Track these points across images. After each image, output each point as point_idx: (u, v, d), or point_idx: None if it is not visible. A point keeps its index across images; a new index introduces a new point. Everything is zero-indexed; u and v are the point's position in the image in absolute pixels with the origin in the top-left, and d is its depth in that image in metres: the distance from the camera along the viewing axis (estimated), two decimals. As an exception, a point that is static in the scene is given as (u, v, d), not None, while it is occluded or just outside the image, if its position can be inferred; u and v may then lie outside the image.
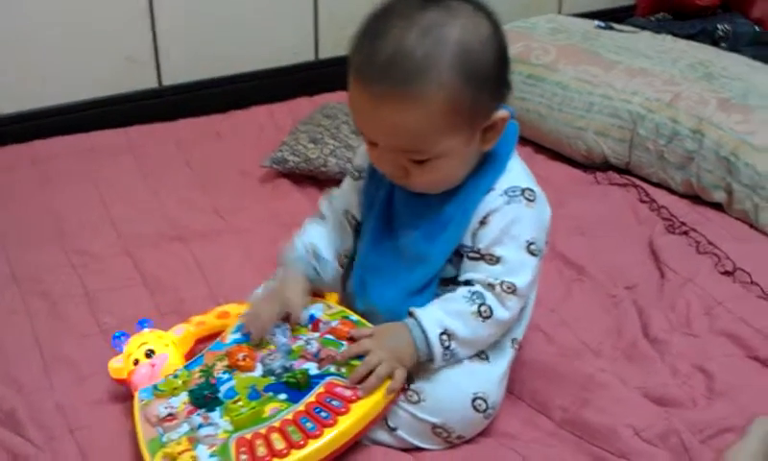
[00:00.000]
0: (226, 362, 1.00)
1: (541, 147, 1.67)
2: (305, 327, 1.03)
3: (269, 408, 0.93)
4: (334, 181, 1.47)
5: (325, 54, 1.97)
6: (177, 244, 1.38)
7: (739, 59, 1.69)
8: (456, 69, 0.89)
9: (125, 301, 1.24)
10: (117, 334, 1.06)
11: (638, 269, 1.30)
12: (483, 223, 0.96)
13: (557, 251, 1.31)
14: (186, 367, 1.02)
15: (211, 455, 0.89)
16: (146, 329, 1.07)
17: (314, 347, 0.99)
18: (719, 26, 1.97)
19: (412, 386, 0.96)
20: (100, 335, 1.17)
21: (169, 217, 1.45)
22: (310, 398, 0.93)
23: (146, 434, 0.93)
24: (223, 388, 0.97)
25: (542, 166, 1.56)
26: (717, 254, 1.30)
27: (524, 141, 1.61)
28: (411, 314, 0.96)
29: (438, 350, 0.94)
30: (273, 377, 0.97)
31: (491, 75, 0.92)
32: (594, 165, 1.60)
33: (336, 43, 1.91)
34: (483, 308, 0.95)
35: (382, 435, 0.97)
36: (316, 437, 0.89)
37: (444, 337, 0.94)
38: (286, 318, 1.03)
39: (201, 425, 0.92)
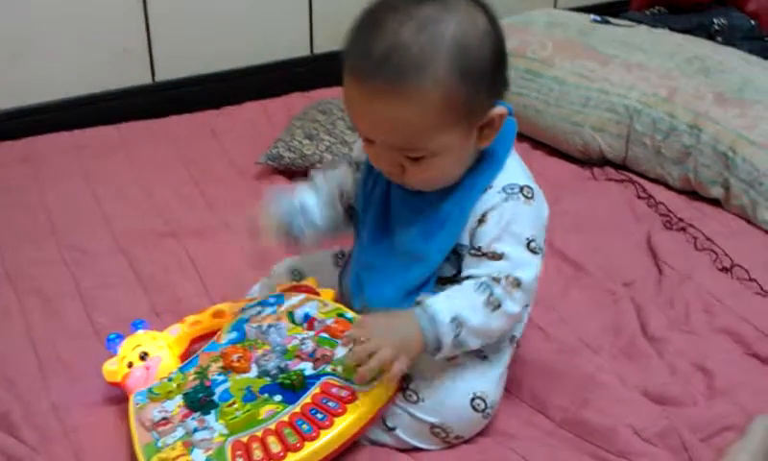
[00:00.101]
0: (220, 363, 0.99)
1: (538, 143, 1.66)
2: (300, 326, 1.02)
3: (264, 410, 0.92)
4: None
5: (320, 49, 1.95)
6: (171, 241, 1.37)
7: (735, 53, 1.68)
8: (452, 65, 0.88)
9: (119, 299, 1.23)
10: (111, 337, 1.05)
11: (636, 266, 1.29)
12: (481, 221, 0.95)
13: (554, 248, 1.30)
14: (181, 369, 1.01)
15: (207, 460, 0.88)
16: (140, 331, 1.06)
17: (309, 346, 0.98)
18: (715, 20, 1.96)
19: (410, 386, 0.96)
20: (94, 335, 1.16)
21: (163, 214, 1.44)
22: (306, 399, 0.92)
23: (141, 439, 0.93)
24: (218, 390, 0.96)
25: (539, 162, 1.56)
26: (715, 250, 1.30)
27: (521, 137, 1.60)
28: (418, 303, 0.93)
29: (448, 337, 0.91)
30: (268, 378, 0.96)
31: (487, 71, 0.91)
32: (591, 161, 1.59)
33: (331, 38, 1.90)
34: (492, 298, 0.92)
35: (380, 435, 0.96)
36: (312, 439, 0.88)
37: (455, 325, 0.91)
38: (290, 314, 1.02)
39: (196, 429, 0.91)
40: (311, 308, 1.03)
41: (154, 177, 1.55)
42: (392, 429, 0.96)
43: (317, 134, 1.56)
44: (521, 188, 0.96)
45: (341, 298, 1.08)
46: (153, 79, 1.81)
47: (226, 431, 0.91)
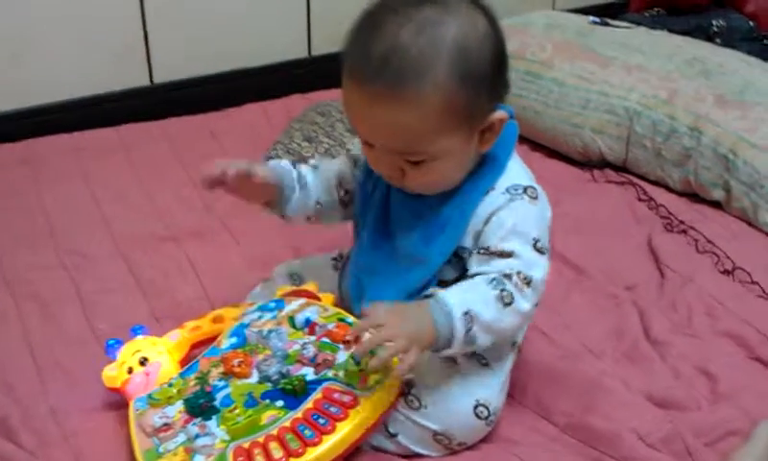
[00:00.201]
0: (221, 369, 0.98)
1: (538, 144, 1.66)
2: (301, 331, 1.01)
3: (266, 416, 0.91)
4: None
5: (319, 51, 1.95)
6: (170, 245, 1.36)
7: (735, 54, 1.68)
8: (452, 69, 0.87)
9: (118, 304, 1.22)
10: (110, 342, 1.04)
11: (638, 269, 1.29)
12: (487, 222, 0.94)
13: (555, 250, 1.28)
14: (181, 374, 1.00)
15: None
16: (139, 336, 1.05)
17: (310, 351, 0.98)
18: (713, 22, 1.96)
19: (412, 391, 0.95)
20: (93, 340, 1.15)
21: (162, 217, 1.43)
22: (308, 404, 0.91)
23: (142, 445, 0.92)
24: (219, 396, 0.95)
25: (539, 164, 1.55)
26: (716, 252, 1.30)
27: (521, 139, 1.56)
28: (430, 296, 0.91)
29: (460, 332, 0.88)
30: (269, 384, 0.95)
31: (487, 75, 0.90)
32: (591, 163, 1.59)
33: (329, 40, 1.89)
34: (504, 293, 0.90)
35: (383, 441, 0.96)
36: (315, 445, 0.87)
37: (468, 318, 0.88)
38: (291, 319, 1.01)
39: (197, 435, 0.91)
40: (312, 313, 1.03)
41: (153, 179, 1.54)
42: (394, 436, 0.95)
43: (315, 137, 1.56)
44: (525, 189, 0.95)
45: (340, 302, 1.07)
46: (151, 81, 1.80)
47: (227, 437, 0.90)
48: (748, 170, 1.39)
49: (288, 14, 1.90)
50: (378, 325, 0.86)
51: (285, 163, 1.06)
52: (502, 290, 0.90)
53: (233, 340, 1.02)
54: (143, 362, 1.00)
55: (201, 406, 0.94)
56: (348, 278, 1.06)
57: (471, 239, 0.95)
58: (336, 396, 0.91)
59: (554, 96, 1.63)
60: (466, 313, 0.88)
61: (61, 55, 1.70)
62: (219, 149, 1.65)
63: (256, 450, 0.87)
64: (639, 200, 1.47)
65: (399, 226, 1.00)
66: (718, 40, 1.91)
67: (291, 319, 1.03)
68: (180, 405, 0.95)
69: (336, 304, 1.06)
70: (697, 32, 1.91)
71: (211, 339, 1.05)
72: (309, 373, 0.95)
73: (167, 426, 0.92)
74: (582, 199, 1.47)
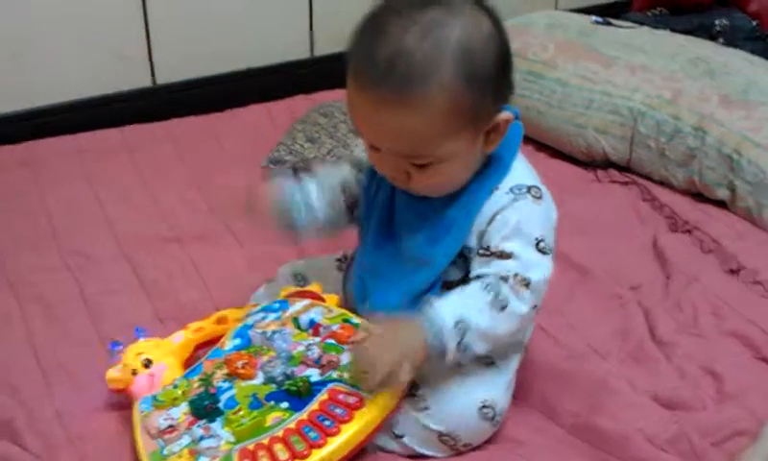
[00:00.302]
0: (225, 370, 0.98)
1: (542, 144, 1.65)
2: (306, 332, 1.01)
3: (271, 418, 0.91)
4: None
5: (321, 51, 1.94)
6: (174, 246, 1.35)
7: (738, 54, 1.67)
8: (458, 71, 0.86)
9: (122, 306, 1.21)
10: (115, 343, 1.04)
11: (643, 269, 1.28)
12: (491, 222, 0.94)
13: (559, 251, 1.26)
14: (185, 376, 1.00)
15: None
16: (142, 339, 1.05)
17: (315, 352, 0.97)
18: (716, 21, 1.96)
19: (418, 392, 0.95)
20: (98, 342, 1.14)
21: (166, 218, 1.43)
22: (313, 406, 0.91)
23: (147, 447, 0.91)
24: (223, 397, 0.95)
25: (543, 164, 1.52)
26: (721, 252, 1.29)
27: (524, 139, 1.58)
28: (423, 308, 0.92)
29: (452, 342, 0.89)
30: (274, 385, 0.95)
31: (492, 76, 0.90)
32: (595, 163, 1.58)
33: (331, 40, 1.89)
34: (499, 298, 0.90)
35: (388, 442, 0.95)
36: (319, 446, 0.87)
37: (459, 329, 0.89)
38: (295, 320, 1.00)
39: (202, 437, 0.90)
40: (316, 314, 1.02)
41: (156, 180, 1.54)
42: (399, 437, 0.95)
43: (318, 138, 1.56)
44: (529, 188, 0.95)
45: (344, 303, 1.07)
46: (153, 82, 1.80)
47: (232, 439, 0.90)
48: (753, 169, 1.39)
49: (291, 15, 1.90)
50: (366, 347, 0.89)
51: (287, 187, 1.04)
52: (497, 295, 0.91)
53: (237, 341, 1.02)
54: (147, 364, 1.00)
55: (205, 408, 0.93)
56: (353, 279, 1.06)
57: (476, 239, 0.95)
58: (341, 397, 0.91)
59: (557, 96, 1.62)
60: (457, 323, 0.89)
61: (63, 55, 1.69)
62: (222, 150, 1.65)
63: (261, 452, 0.87)
64: (644, 200, 1.47)
65: (404, 227, 1.00)
66: (721, 40, 1.90)
67: (295, 320, 1.02)
68: (184, 407, 0.94)
69: (340, 305, 1.05)
70: (700, 31, 1.91)
71: (215, 340, 1.05)
72: (314, 374, 0.95)
73: (172, 428, 0.92)
74: (586, 199, 1.46)
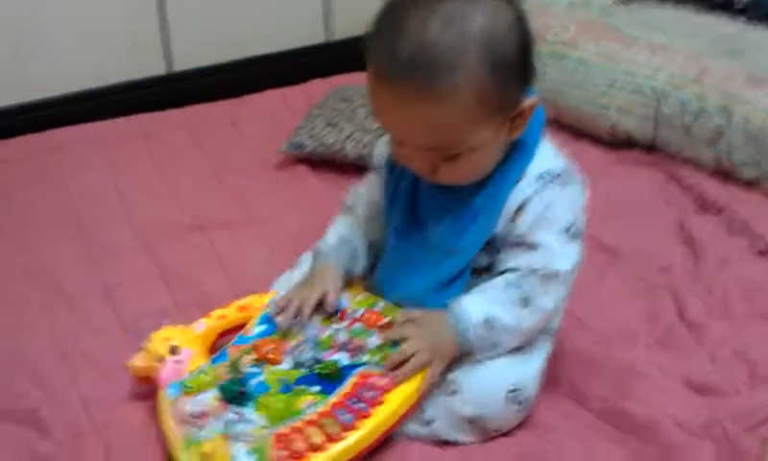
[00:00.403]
0: (253, 356, 0.98)
1: (563, 126, 1.63)
2: (332, 318, 1.00)
3: (302, 401, 0.91)
4: (353, 165, 1.45)
5: (338, 35, 1.93)
6: (195, 234, 1.35)
7: (762, 31, 1.64)
8: (482, 60, 0.85)
9: (144, 294, 1.21)
10: (139, 330, 1.04)
11: (671, 251, 1.26)
12: (518, 211, 0.93)
13: (588, 233, 1.27)
14: (211, 362, 0.99)
15: (248, 452, 0.86)
16: (167, 325, 1.04)
17: (343, 337, 0.97)
18: (739, -3, 1.92)
19: (448, 377, 0.94)
20: (119, 330, 1.14)
21: (186, 206, 1.42)
22: (345, 389, 0.91)
23: (177, 432, 0.91)
24: (253, 382, 0.94)
25: (566, 146, 1.52)
26: (750, 233, 1.27)
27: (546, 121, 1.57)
28: (450, 304, 0.93)
29: (479, 340, 0.92)
30: (304, 369, 0.95)
31: (516, 62, 0.89)
32: (619, 143, 1.56)
33: (348, 23, 1.87)
34: (525, 296, 0.92)
35: (416, 428, 0.94)
36: (354, 429, 0.87)
37: (487, 325, 0.91)
38: (319, 305, 1.00)
39: (234, 422, 0.90)
40: (343, 300, 1.02)
41: (174, 168, 1.53)
42: (429, 423, 0.94)
43: (338, 123, 1.54)
44: (556, 175, 0.94)
45: (370, 289, 1.06)
46: (170, 68, 1.79)
47: (265, 423, 0.89)
48: (780, 149, 1.36)
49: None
50: (403, 338, 0.92)
51: (331, 247, 1.05)
52: (522, 291, 0.92)
53: (263, 327, 1.01)
54: (174, 351, 0.99)
55: (237, 393, 0.93)
56: (378, 266, 1.05)
57: (503, 227, 0.95)
58: (373, 380, 0.91)
59: (578, 76, 1.60)
60: (486, 320, 0.92)
61: (78, 45, 1.69)
62: (240, 137, 1.64)
63: (295, 436, 0.87)
64: (670, 180, 1.44)
65: (429, 216, 0.99)
66: (743, 17, 1.87)
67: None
68: (214, 392, 0.94)
69: (367, 291, 1.04)
70: (722, 8, 1.88)
71: (238, 328, 1.04)
72: (343, 358, 0.95)
73: (203, 414, 0.91)
74: (611, 180, 1.44)
